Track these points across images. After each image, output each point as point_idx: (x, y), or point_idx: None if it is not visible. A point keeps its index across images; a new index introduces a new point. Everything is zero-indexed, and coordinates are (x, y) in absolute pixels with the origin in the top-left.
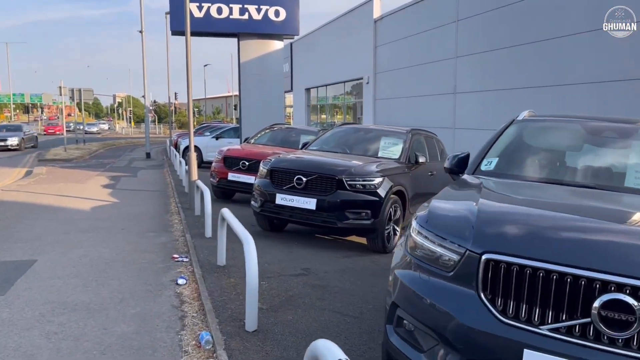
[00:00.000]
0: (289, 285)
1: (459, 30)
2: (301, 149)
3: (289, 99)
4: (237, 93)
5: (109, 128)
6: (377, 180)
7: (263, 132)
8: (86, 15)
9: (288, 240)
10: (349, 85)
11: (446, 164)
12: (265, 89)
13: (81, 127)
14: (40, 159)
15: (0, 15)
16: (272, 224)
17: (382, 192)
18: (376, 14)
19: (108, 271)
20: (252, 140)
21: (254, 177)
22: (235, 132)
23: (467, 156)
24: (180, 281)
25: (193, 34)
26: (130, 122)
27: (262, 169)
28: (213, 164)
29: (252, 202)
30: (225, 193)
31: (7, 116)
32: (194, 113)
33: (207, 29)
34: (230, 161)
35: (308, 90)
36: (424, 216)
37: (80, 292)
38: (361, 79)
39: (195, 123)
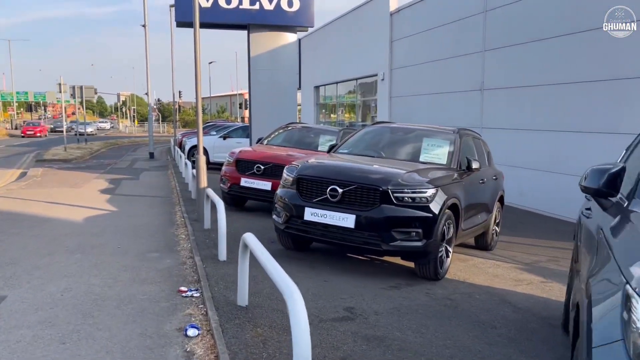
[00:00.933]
0: (336, 338)
1: (487, 22)
2: (328, 152)
3: (297, 97)
4: (242, 91)
5: (111, 127)
6: (430, 191)
7: (277, 132)
8: (90, 13)
9: (317, 263)
10: (361, 83)
11: (586, 182)
12: (277, 85)
13: (75, 126)
14: (38, 159)
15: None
16: (297, 243)
17: (435, 206)
18: (392, 6)
19: (95, 315)
20: (266, 141)
21: (269, 183)
22: (244, 131)
23: (622, 170)
24: (191, 332)
25: (200, 25)
26: (133, 121)
27: (287, 176)
28: (224, 168)
29: (274, 217)
30: (237, 200)
31: (11, 114)
32: None
33: (215, 19)
34: (244, 165)
35: (317, 88)
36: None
37: (54, 353)
38: (375, 75)
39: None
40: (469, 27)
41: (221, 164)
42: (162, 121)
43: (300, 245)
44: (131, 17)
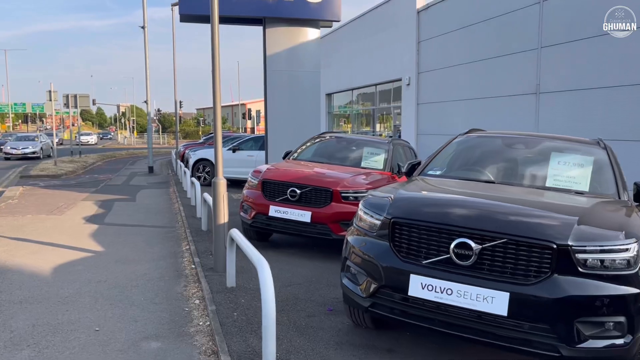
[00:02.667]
0: None
1: (544, 13)
2: (419, 172)
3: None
4: (243, 102)
5: (108, 138)
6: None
7: (309, 144)
8: (90, 25)
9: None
10: (382, 89)
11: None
12: (298, 88)
13: (51, 139)
14: (24, 175)
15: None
16: None
17: None
18: (419, 3)
19: None
20: (295, 155)
21: (309, 213)
22: (256, 142)
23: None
24: None
25: (207, 19)
26: (133, 132)
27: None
28: (245, 192)
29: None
30: (262, 233)
31: (8, 126)
32: (198, 122)
33: (226, 12)
34: (273, 187)
35: (329, 95)
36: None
37: None
38: (399, 80)
39: (200, 132)
40: (520, 21)
41: (231, 181)
42: (162, 132)
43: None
44: (131, 30)
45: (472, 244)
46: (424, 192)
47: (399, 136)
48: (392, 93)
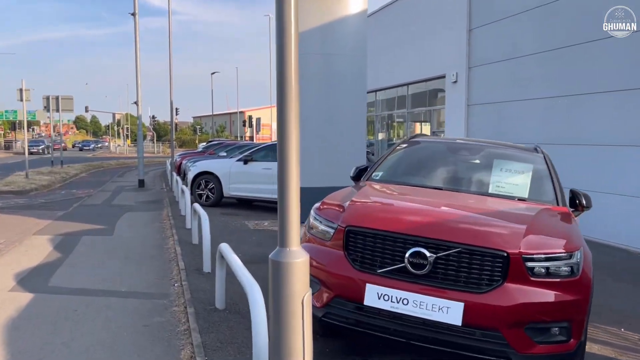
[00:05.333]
0: None
1: None
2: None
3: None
4: (242, 109)
5: (90, 148)
6: None
7: (395, 154)
8: (85, 35)
9: None
10: (416, 90)
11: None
12: (336, 77)
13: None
14: None
15: None
16: None
17: None
18: None
19: None
20: (379, 175)
21: (458, 305)
22: (273, 151)
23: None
24: None
25: None
26: (125, 140)
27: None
28: (307, 249)
29: None
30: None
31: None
32: (195, 130)
33: None
34: (372, 245)
35: None
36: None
37: None
38: (441, 77)
39: (197, 141)
40: None
41: (242, 201)
42: (157, 140)
43: None
44: (127, 39)
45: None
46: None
47: None
48: (427, 95)
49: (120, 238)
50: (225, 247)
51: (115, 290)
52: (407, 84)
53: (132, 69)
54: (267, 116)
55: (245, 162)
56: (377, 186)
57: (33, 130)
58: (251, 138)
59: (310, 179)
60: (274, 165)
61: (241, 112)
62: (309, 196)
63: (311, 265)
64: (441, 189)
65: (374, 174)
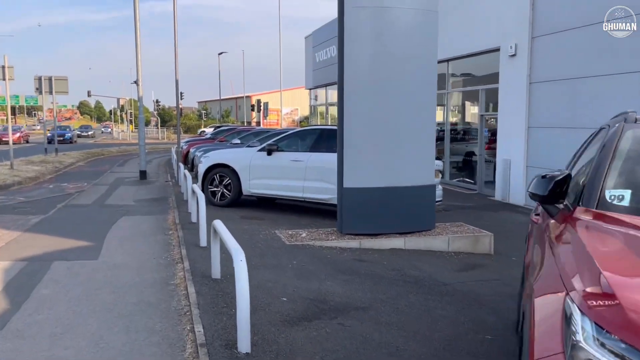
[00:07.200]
0: None
1: None
2: None
3: (335, 95)
4: (249, 94)
5: (86, 135)
6: None
7: (622, 149)
8: (90, 19)
9: None
10: (455, 66)
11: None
12: (395, 43)
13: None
14: None
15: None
16: None
17: None
18: None
19: None
20: (622, 193)
21: None
22: (303, 139)
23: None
24: None
25: None
26: (129, 126)
27: None
28: None
29: None
30: None
31: (3, 119)
32: (200, 115)
33: None
34: None
35: None
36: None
37: None
38: (496, 50)
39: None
40: None
41: (264, 199)
42: (161, 126)
43: None
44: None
45: None
46: None
47: (489, 132)
48: (474, 71)
49: (107, 265)
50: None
51: None
52: (448, 60)
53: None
54: (273, 101)
55: (269, 152)
56: (625, 220)
57: (35, 115)
58: (258, 123)
59: (362, 177)
60: (304, 157)
61: (247, 97)
62: (361, 199)
63: None
64: None
65: (610, 194)
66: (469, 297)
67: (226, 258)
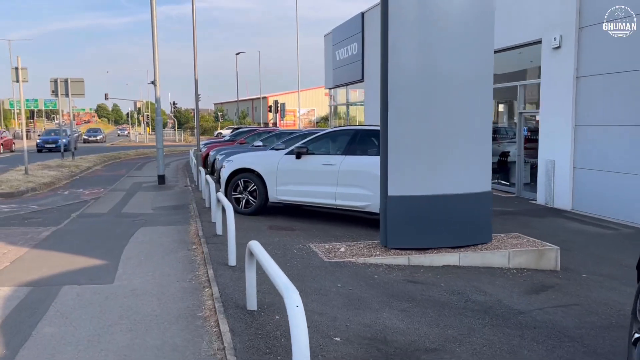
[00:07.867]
0: None
1: None
2: None
3: (355, 94)
4: (265, 95)
5: (94, 140)
6: None
7: None
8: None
9: None
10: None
11: None
12: (444, 27)
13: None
14: None
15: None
16: None
17: None
18: None
19: None
20: None
21: None
22: (335, 141)
23: None
24: None
25: None
26: (145, 128)
27: None
28: None
29: None
30: None
31: (20, 122)
32: (216, 117)
33: None
34: None
35: None
36: None
37: None
38: (537, 42)
39: (219, 128)
40: None
41: (292, 207)
42: (178, 128)
43: None
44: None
45: None
46: None
47: (528, 131)
48: (511, 66)
49: (124, 291)
50: None
51: None
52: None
53: (152, 56)
54: (290, 102)
55: (298, 155)
56: None
57: (54, 119)
58: (275, 124)
59: (409, 184)
60: (337, 160)
61: (264, 98)
62: (408, 209)
63: None
64: None
65: None
66: (555, 331)
67: (260, 280)
